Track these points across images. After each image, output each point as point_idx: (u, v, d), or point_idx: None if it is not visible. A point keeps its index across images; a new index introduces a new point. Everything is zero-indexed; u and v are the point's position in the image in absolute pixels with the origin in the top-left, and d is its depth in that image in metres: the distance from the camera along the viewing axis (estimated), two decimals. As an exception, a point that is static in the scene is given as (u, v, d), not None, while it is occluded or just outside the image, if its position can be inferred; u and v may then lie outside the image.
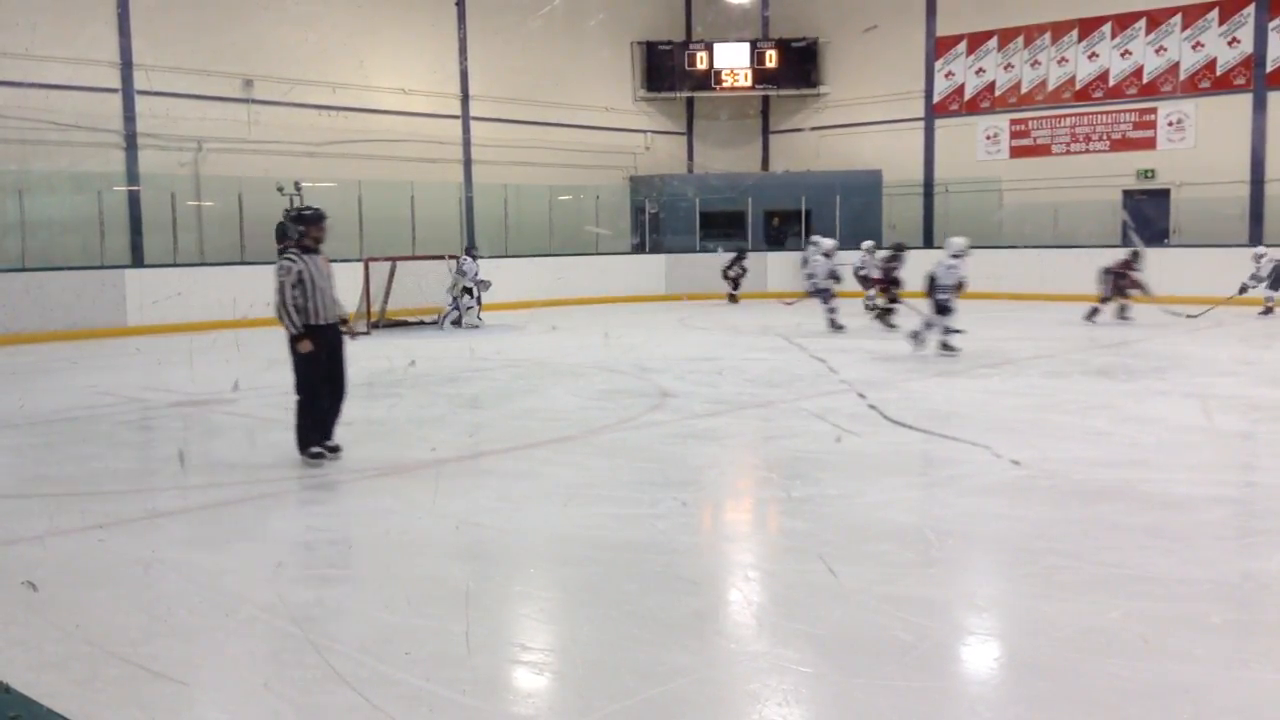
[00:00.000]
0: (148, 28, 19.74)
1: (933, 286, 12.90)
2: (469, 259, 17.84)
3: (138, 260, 19.41)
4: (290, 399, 7.65)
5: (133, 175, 19.77)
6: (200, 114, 20.35)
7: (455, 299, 17.82)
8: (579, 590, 5.07)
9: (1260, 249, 18.19)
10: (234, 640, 4.40)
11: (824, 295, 16.40)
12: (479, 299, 17.96)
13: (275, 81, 21.34)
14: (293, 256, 7.63)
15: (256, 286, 18.48)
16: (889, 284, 16.85)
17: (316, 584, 5.04)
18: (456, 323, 17.73)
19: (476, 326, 17.75)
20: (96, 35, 19.25)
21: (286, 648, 4.25)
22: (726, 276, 23.37)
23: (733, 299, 23.18)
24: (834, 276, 16.71)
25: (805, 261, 19.23)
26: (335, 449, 7.60)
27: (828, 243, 17.04)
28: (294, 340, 7.56)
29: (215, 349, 14.83)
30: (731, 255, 23.52)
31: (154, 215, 19.74)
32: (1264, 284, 17.61)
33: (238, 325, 16.89)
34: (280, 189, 20.19)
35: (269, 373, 12.42)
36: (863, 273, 19.30)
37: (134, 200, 19.76)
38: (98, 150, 19.39)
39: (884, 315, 16.68)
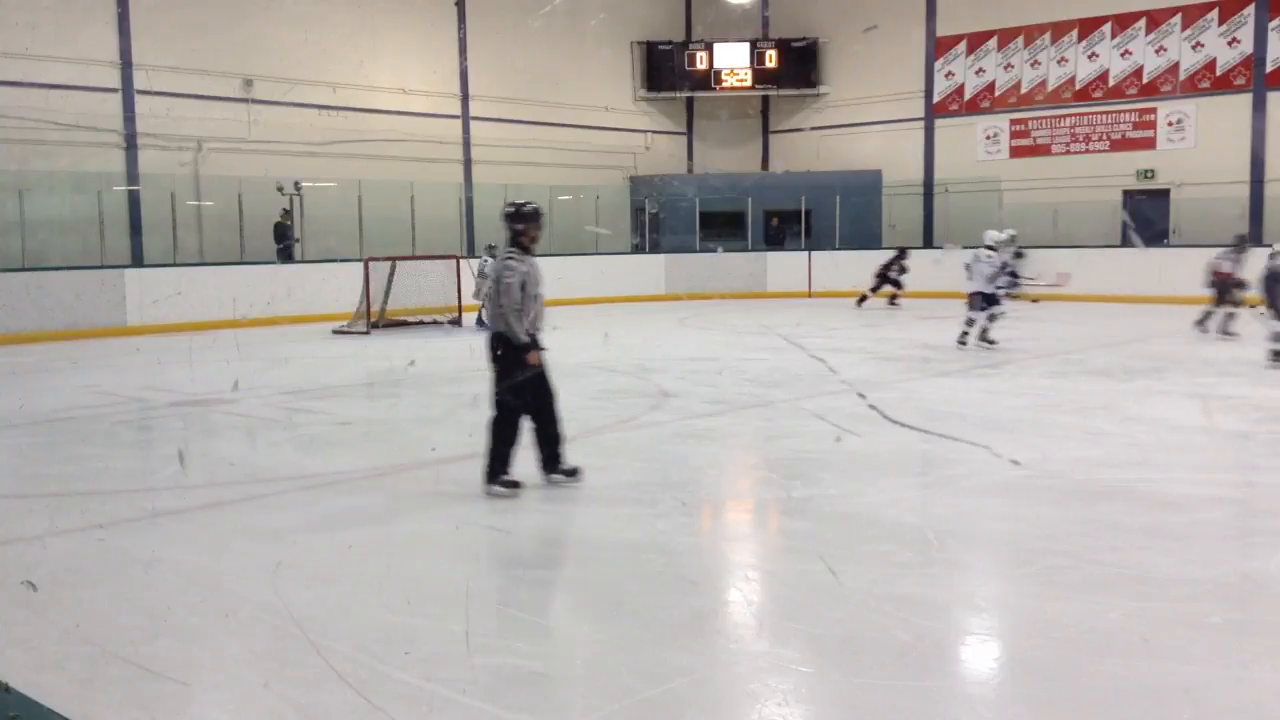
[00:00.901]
0: (148, 28, 19.75)
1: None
2: (490, 259, 17.60)
3: (138, 260, 19.42)
4: (290, 400, 7.62)
5: (133, 175, 19.78)
6: (200, 114, 20.37)
7: (484, 300, 17.56)
8: (579, 590, 5.07)
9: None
10: (234, 640, 4.40)
11: (985, 301, 13.90)
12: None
13: (275, 81, 21.35)
14: (517, 256, 6.79)
15: (256, 286, 18.64)
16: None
17: (316, 584, 5.04)
18: (484, 324, 17.52)
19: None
20: (96, 35, 19.27)
21: (286, 647, 4.25)
22: (886, 278, 21.05)
23: (894, 301, 20.93)
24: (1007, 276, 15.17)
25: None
26: (573, 471, 6.81)
27: (994, 234, 14.43)
28: (516, 351, 6.65)
29: (215, 349, 14.83)
30: (892, 254, 21.34)
31: (154, 215, 19.76)
32: None
33: (237, 325, 16.91)
34: (280, 189, 20.22)
35: (269, 373, 12.45)
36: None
37: (134, 200, 19.77)
38: (98, 150, 19.41)
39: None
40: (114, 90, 19.54)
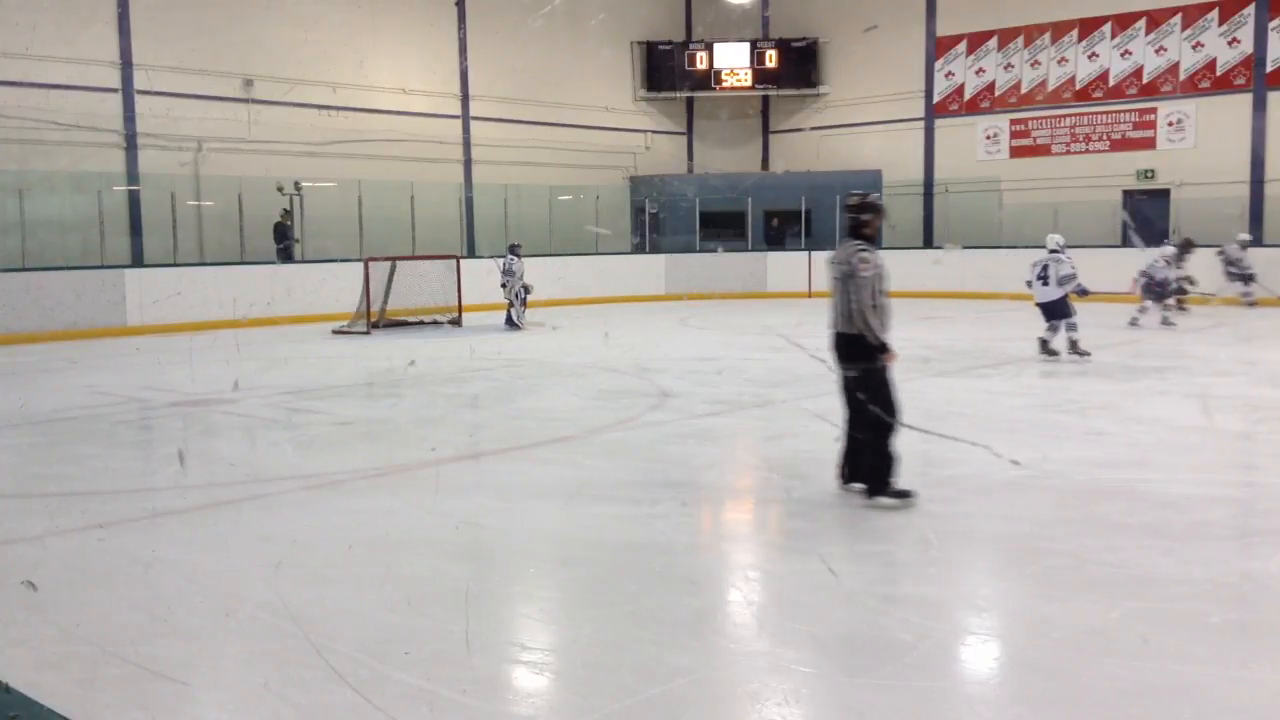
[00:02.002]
0: (148, 27, 19.75)
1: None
2: (514, 257, 17.57)
3: (138, 260, 19.42)
4: (290, 400, 7.62)
5: (133, 175, 19.78)
6: (200, 114, 20.37)
7: (512, 298, 17.51)
8: (579, 590, 5.07)
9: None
10: (234, 640, 4.40)
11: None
12: (524, 300, 17.66)
13: (275, 81, 21.35)
14: (868, 249, 6.22)
15: (256, 286, 18.65)
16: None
17: (316, 584, 5.04)
18: (509, 323, 17.48)
19: (519, 328, 17.51)
20: (97, 35, 19.27)
21: (286, 647, 4.25)
22: (1166, 281, 16.58)
23: (1182, 306, 17.48)
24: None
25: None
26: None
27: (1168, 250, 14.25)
28: (871, 353, 6.19)
29: (215, 349, 14.83)
30: (1171, 249, 16.97)
31: (154, 215, 19.76)
32: None
33: (237, 325, 16.91)
34: (280, 189, 20.23)
35: (269, 373, 12.45)
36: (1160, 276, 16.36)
37: (134, 200, 19.77)
38: (98, 150, 19.41)
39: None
40: (114, 90, 19.54)
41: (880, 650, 4.16)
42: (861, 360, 6.21)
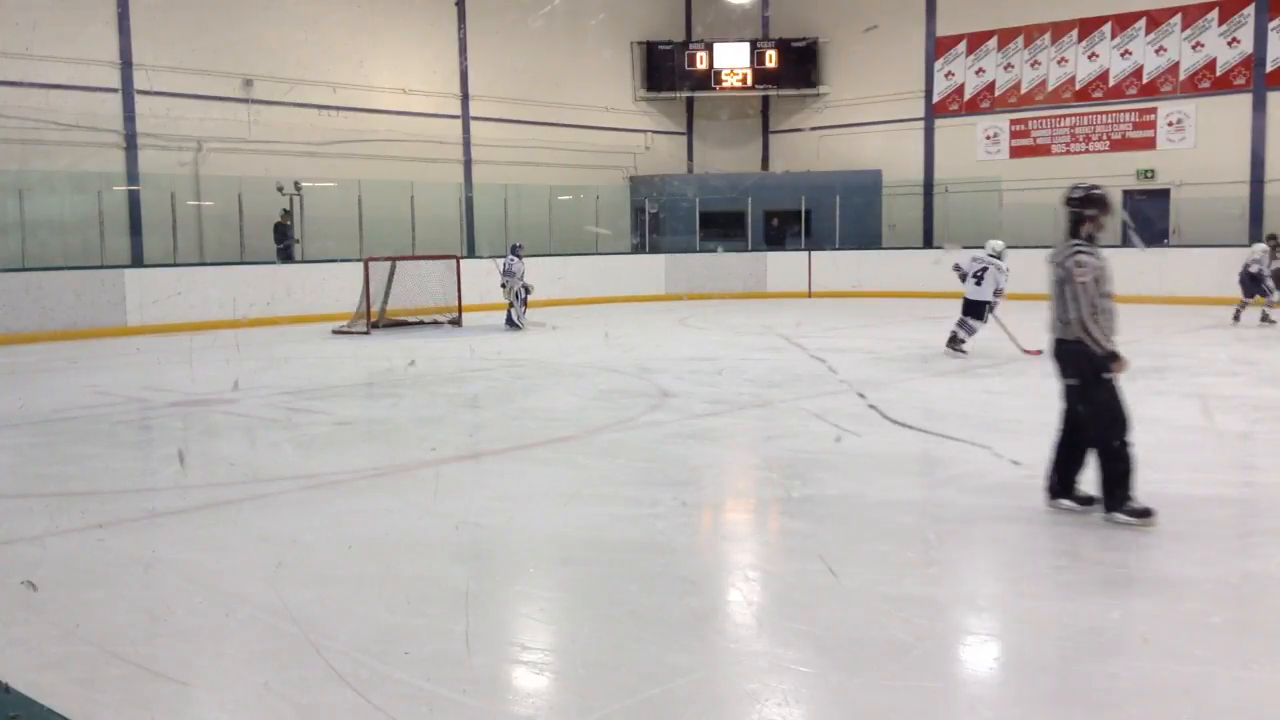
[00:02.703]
0: (148, 27, 19.76)
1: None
2: (515, 258, 17.53)
3: (137, 260, 19.43)
4: (290, 400, 7.61)
5: (133, 175, 19.79)
6: (200, 114, 20.38)
7: (512, 299, 17.48)
8: (579, 590, 5.07)
9: None
10: (234, 640, 4.40)
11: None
12: (524, 301, 17.64)
13: (275, 81, 21.36)
14: (1087, 249, 5.74)
15: (256, 286, 18.65)
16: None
17: (316, 584, 5.04)
18: (510, 323, 17.43)
19: (526, 325, 17.52)
20: (96, 35, 19.28)
21: (286, 648, 4.25)
22: (1261, 276, 16.49)
23: (1266, 318, 16.68)
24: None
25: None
26: (1088, 500, 5.93)
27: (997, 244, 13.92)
28: (1097, 363, 5.77)
29: (215, 349, 14.84)
30: (1262, 246, 16.89)
31: (154, 215, 19.77)
32: None
33: (237, 325, 16.92)
34: (280, 189, 20.23)
35: (269, 373, 12.45)
36: (1255, 269, 16.40)
37: (134, 200, 19.78)
38: (98, 150, 19.42)
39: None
40: (114, 90, 19.55)
41: (880, 650, 4.16)
42: (1083, 369, 5.79)
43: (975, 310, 13.22)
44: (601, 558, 5.44)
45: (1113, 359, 5.72)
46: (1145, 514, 5.62)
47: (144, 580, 5.20)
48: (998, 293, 13.10)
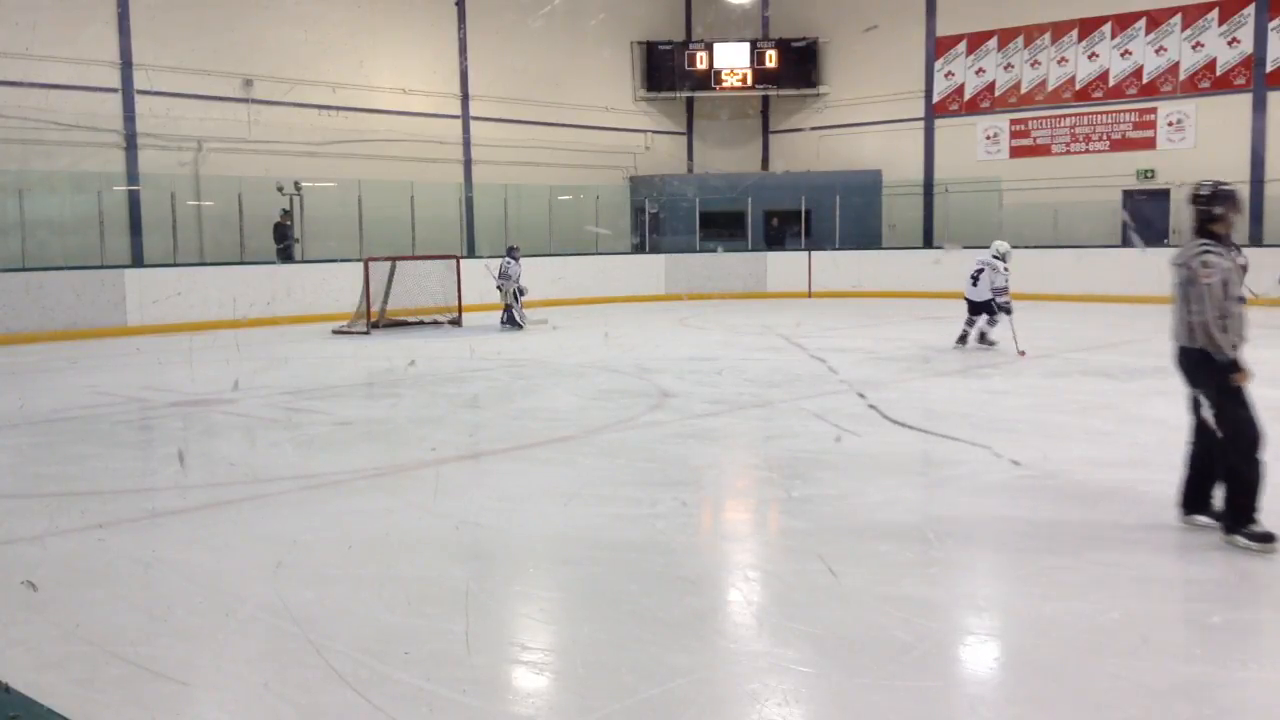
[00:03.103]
0: (148, 27, 19.76)
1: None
2: (511, 260, 17.47)
3: (137, 260, 19.43)
4: (290, 400, 7.61)
5: (133, 175, 19.79)
6: (200, 114, 20.38)
7: (510, 300, 17.41)
8: (579, 590, 5.07)
9: None
10: (234, 640, 4.40)
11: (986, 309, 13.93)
12: (520, 301, 17.54)
13: (275, 81, 21.37)
14: (1215, 249, 5.38)
15: (256, 286, 18.65)
16: None
17: (316, 584, 5.04)
18: (510, 323, 17.37)
19: (526, 324, 17.46)
20: (97, 35, 19.28)
21: (286, 648, 4.25)
22: None
23: None
24: None
25: None
26: (1220, 517, 5.46)
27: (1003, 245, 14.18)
28: (1219, 370, 5.36)
29: (215, 349, 14.84)
30: None
31: (154, 215, 19.77)
32: None
33: (237, 325, 16.92)
34: (280, 189, 20.24)
35: (269, 373, 12.46)
36: None
37: (134, 200, 19.79)
38: (98, 150, 19.42)
39: None
40: (114, 90, 19.55)
41: (880, 650, 4.16)
42: (1209, 378, 5.39)
43: (976, 309, 13.50)
44: (601, 558, 5.44)
45: (1234, 368, 5.33)
46: (1267, 539, 5.20)
47: (144, 580, 5.20)
48: (996, 291, 13.29)
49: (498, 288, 17.56)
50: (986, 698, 3.92)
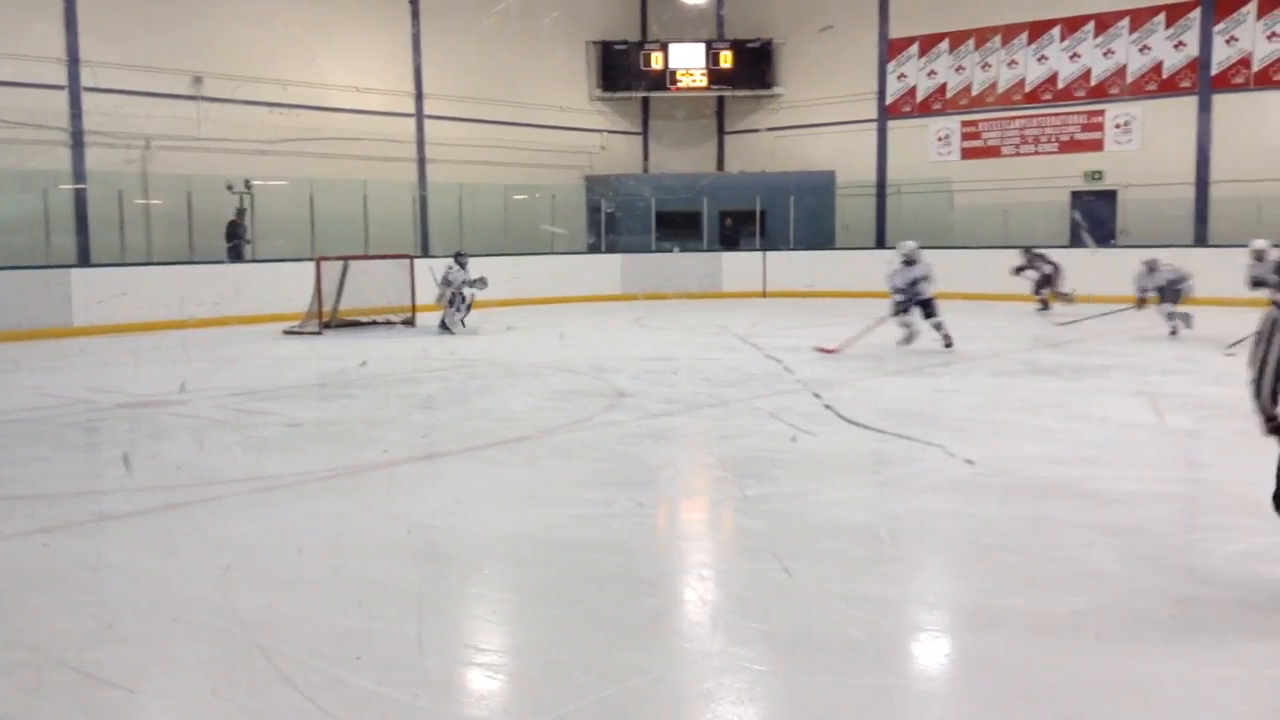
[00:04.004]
0: (95, 24, 19.43)
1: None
2: (456, 266, 17.06)
3: (84, 259, 19.09)
4: (240, 401, 7.53)
5: (79, 173, 19.44)
6: (148, 111, 20.05)
7: (449, 304, 17.17)
8: (533, 591, 5.05)
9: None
10: (181, 646, 4.33)
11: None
12: (468, 304, 17.30)
13: (225, 79, 21.08)
14: None
15: (206, 286, 18.38)
16: None
17: (266, 588, 4.98)
18: (444, 326, 17.09)
19: (459, 330, 17.16)
20: (42, 32, 18.91)
21: (235, 653, 4.19)
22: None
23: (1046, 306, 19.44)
24: None
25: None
26: None
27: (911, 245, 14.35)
28: None
29: (163, 349, 14.63)
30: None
31: (101, 214, 19.42)
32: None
33: (185, 325, 16.68)
34: (230, 187, 19.97)
35: (218, 374, 12.29)
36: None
37: (80, 198, 19.43)
38: (43, 148, 19.04)
39: None
40: (60, 87, 19.19)
41: (834, 648, 4.18)
42: None
43: (908, 307, 13.80)
44: (556, 558, 5.42)
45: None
46: None
47: (90, 585, 5.11)
48: (893, 289, 13.71)
49: (439, 292, 17.34)
50: (939, 694, 3.95)
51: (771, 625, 4.45)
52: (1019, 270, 19.58)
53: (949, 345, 13.57)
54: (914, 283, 13.66)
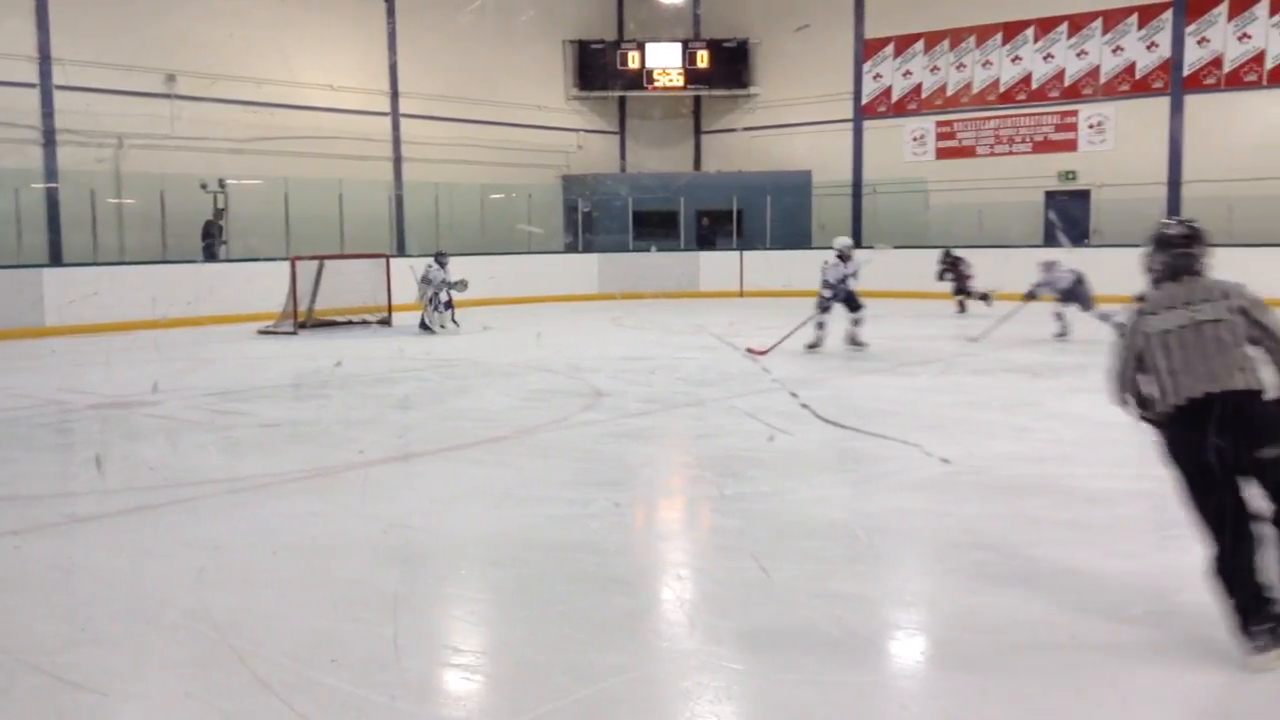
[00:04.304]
0: (67, 22, 19.25)
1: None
2: (436, 266, 16.98)
3: (56, 259, 18.92)
4: (214, 402, 7.48)
5: (51, 172, 19.26)
6: (121, 110, 19.87)
7: (429, 303, 17.08)
8: (510, 591, 5.04)
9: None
10: (155, 648, 4.30)
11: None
12: (449, 303, 17.23)
13: (198, 77, 20.92)
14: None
15: (179, 285, 18.24)
16: None
17: (241, 589, 4.94)
18: (425, 326, 17.01)
19: (440, 329, 17.08)
20: (14, 29, 18.73)
21: (210, 655, 4.16)
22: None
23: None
24: None
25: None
26: None
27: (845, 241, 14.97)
28: None
29: (136, 349, 14.51)
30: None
31: (73, 213, 19.24)
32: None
33: (158, 325, 16.55)
34: (204, 186, 19.84)
35: (192, 374, 12.21)
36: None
37: (52, 197, 19.25)
38: (15, 147, 18.85)
39: None
40: (32, 85, 19.00)
41: (811, 646, 4.19)
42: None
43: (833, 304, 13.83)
44: (533, 559, 5.41)
45: None
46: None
47: (62, 587, 5.06)
48: (822, 284, 13.76)
49: (420, 290, 17.27)
50: (915, 691, 3.97)
51: (749, 624, 4.46)
52: (942, 275, 19.72)
53: (859, 345, 13.60)
54: (844, 279, 13.74)
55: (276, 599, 4.81)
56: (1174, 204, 22.46)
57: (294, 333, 16.84)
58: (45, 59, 19.08)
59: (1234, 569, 3.92)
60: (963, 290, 19.45)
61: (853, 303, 13.77)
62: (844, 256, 13.87)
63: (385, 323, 17.97)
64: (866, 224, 26.14)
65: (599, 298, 24.08)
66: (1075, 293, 14.59)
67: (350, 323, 17.92)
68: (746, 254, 25.20)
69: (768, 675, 3.97)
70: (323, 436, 8.84)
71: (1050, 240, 22.40)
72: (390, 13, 24.12)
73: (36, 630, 4.46)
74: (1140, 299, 4.38)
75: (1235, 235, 20.45)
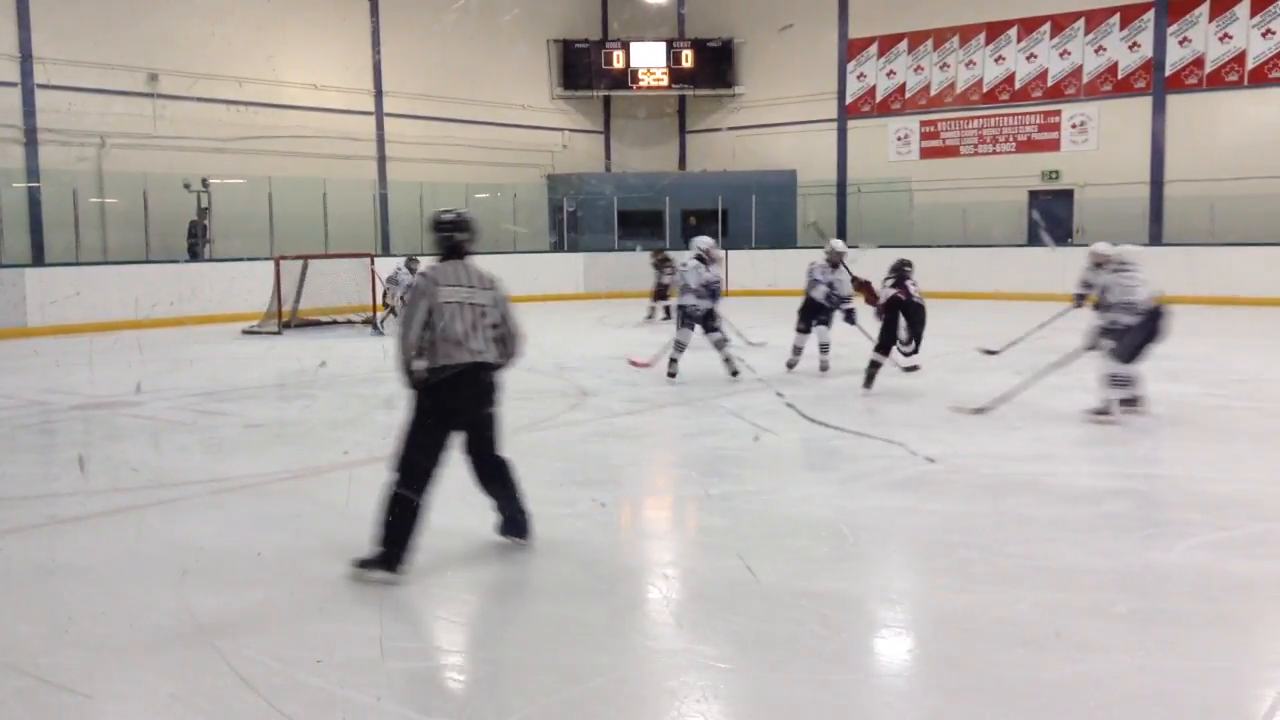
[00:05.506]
0: (48, 20, 19.12)
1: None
2: (406, 271, 16.79)
3: (38, 259, 18.81)
4: (198, 402, 7.43)
5: (33, 171, 19.14)
6: (103, 109, 19.76)
7: (386, 306, 17.00)
8: (496, 591, 5.03)
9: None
10: (139, 650, 4.27)
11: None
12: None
13: (181, 76, 20.83)
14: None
15: (162, 285, 18.16)
16: None
17: (225, 590, 4.92)
18: (375, 327, 16.87)
19: (382, 334, 16.88)
20: (-6, 28, 18.62)
21: (194, 657, 4.14)
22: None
23: None
24: None
25: None
26: None
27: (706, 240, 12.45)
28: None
29: (119, 350, 14.43)
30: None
31: (55, 212, 19.13)
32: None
33: (141, 325, 16.46)
34: (187, 186, 19.74)
35: (176, 374, 12.14)
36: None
37: (34, 197, 19.13)
38: (-5, 145, 18.76)
39: None
40: (13, 84, 18.88)
41: (797, 645, 4.20)
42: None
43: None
44: (519, 558, 5.40)
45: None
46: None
47: (45, 589, 5.03)
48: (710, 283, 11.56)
49: (385, 289, 17.20)
50: (901, 690, 3.98)
51: (735, 623, 4.46)
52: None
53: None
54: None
55: (260, 600, 4.79)
56: (1156, 203, 22.59)
57: (278, 333, 16.77)
58: (26, 58, 18.95)
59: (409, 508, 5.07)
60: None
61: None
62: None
63: (370, 323, 17.90)
64: (850, 224, 26.20)
65: (584, 297, 24.07)
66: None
67: (335, 322, 17.85)
68: (732, 253, 25.19)
69: (754, 674, 3.98)
70: (307, 437, 8.81)
71: (1034, 240, 22.50)
72: (374, 11, 24.05)
73: (19, 632, 4.43)
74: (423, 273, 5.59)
75: (1217, 234, 20.63)
